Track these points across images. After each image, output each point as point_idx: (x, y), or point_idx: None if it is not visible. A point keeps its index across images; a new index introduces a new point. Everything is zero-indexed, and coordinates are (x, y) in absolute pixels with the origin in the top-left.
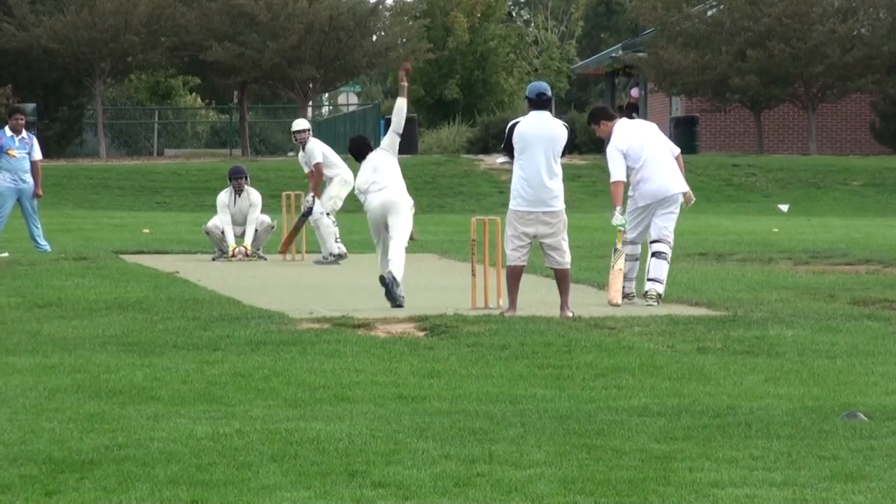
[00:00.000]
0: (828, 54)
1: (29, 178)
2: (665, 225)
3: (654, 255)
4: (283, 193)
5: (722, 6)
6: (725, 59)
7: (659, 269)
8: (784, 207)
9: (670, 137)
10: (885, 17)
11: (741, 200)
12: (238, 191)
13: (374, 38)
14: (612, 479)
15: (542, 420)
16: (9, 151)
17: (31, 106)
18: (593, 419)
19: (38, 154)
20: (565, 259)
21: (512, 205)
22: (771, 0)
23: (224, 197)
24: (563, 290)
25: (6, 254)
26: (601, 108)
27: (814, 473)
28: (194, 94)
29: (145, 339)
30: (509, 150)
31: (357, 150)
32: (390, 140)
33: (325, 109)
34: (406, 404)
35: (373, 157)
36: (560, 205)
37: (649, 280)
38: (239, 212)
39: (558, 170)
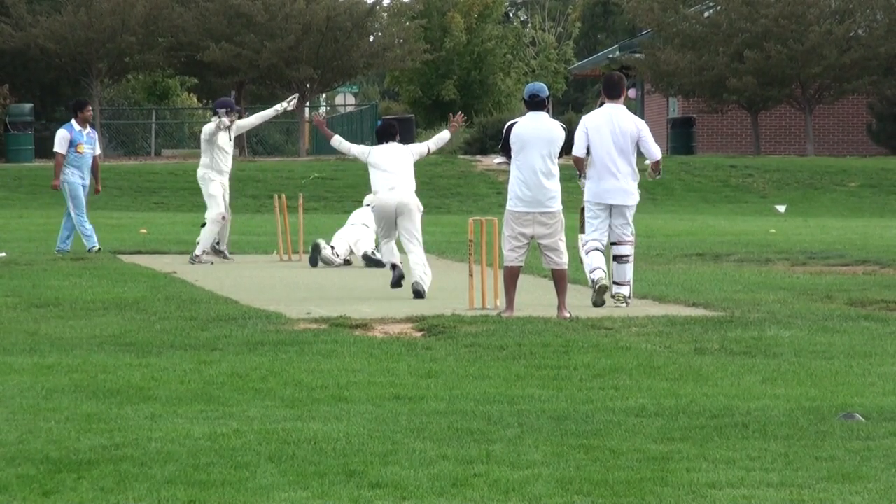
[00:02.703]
0: (825, 55)
1: (89, 174)
2: (622, 224)
3: (616, 258)
4: (275, 195)
5: (719, 7)
6: (722, 61)
7: (623, 272)
8: (781, 208)
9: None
10: (882, 18)
11: (738, 201)
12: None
13: (372, 38)
14: (609, 479)
15: (539, 420)
16: (77, 148)
17: (27, 106)
18: (590, 420)
19: (98, 149)
20: (563, 260)
21: (509, 205)
22: (768, 1)
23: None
24: (561, 291)
25: (4, 254)
26: (609, 80)
27: (811, 474)
28: (192, 94)
29: (143, 339)
30: (506, 151)
31: (383, 132)
32: (419, 150)
33: (322, 110)
34: (403, 405)
35: (392, 149)
36: (557, 205)
37: (615, 283)
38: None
39: (555, 170)
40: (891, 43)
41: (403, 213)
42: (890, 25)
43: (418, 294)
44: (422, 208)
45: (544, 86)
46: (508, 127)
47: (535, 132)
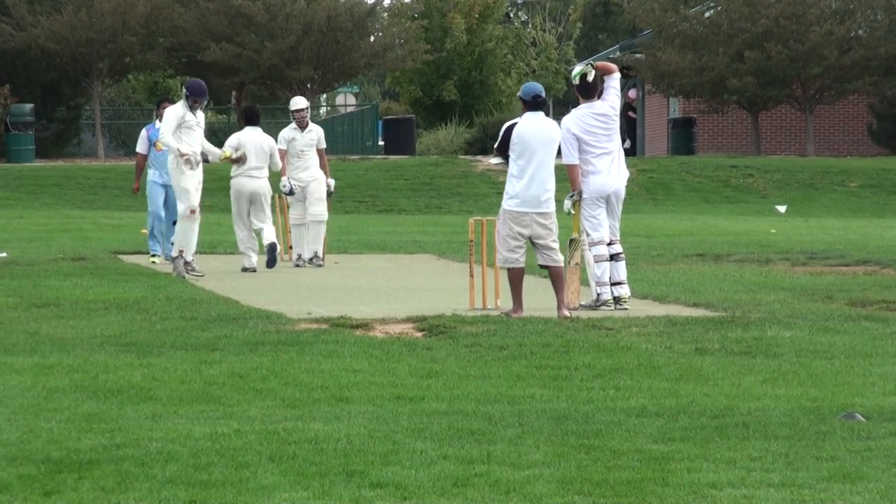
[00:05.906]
0: (825, 56)
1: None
2: (616, 224)
3: (613, 257)
4: (275, 195)
5: (719, 8)
6: (723, 61)
7: (621, 270)
8: (782, 208)
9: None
10: (882, 18)
11: (739, 201)
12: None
13: (372, 38)
14: (609, 479)
15: (540, 421)
16: (155, 144)
17: (28, 106)
18: (591, 420)
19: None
20: (559, 257)
21: (507, 205)
22: (768, 2)
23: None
24: (559, 289)
25: (5, 254)
26: (583, 82)
27: (812, 474)
28: None
29: (143, 340)
30: (503, 151)
31: (250, 116)
32: (275, 150)
33: (322, 110)
34: (404, 405)
35: (255, 136)
36: (553, 206)
37: (616, 284)
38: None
39: (553, 171)
40: (891, 43)
41: (256, 202)
42: (890, 26)
43: (272, 249)
44: (271, 191)
45: (541, 86)
46: (508, 128)
47: (538, 133)
